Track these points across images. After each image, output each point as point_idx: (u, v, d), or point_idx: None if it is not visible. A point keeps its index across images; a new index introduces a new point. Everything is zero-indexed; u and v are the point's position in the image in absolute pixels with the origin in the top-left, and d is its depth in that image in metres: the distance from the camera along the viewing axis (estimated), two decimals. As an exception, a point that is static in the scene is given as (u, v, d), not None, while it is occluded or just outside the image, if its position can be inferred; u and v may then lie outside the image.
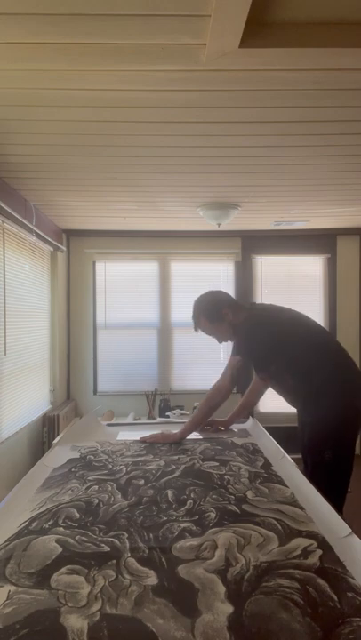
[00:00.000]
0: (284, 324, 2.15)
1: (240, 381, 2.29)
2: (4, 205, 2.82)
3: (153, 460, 1.80)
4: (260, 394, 2.48)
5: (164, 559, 1.05)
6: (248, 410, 2.54)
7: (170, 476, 1.59)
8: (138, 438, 2.11)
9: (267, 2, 1.30)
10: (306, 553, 1.06)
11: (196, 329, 2.29)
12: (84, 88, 1.75)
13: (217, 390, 2.13)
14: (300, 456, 2.08)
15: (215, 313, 2.21)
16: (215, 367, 4.70)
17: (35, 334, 3.72)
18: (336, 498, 1.40)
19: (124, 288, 4.67)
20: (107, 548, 1.10)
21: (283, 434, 2.26)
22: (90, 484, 1.54)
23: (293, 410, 2.23)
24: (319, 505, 1.35)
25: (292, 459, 1.80)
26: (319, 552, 1.06)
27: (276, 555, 1.05)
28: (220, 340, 2.30)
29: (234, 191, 3.17)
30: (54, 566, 1.02)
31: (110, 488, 1.49)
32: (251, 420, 2.53)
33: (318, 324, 2.23)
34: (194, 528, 1.20)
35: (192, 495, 1.42)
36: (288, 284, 4.73)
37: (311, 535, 1.14)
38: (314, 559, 1.03)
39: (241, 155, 2.46)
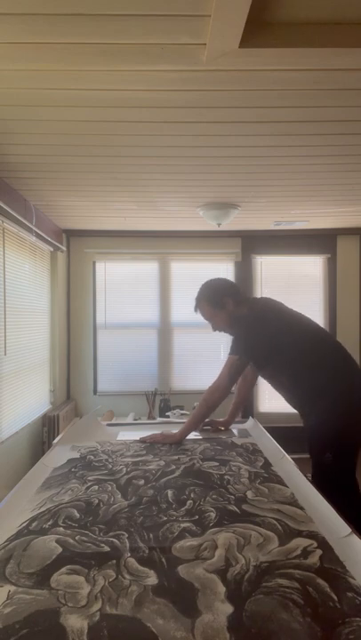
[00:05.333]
0: (282, 325, 2.14)
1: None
2: (4, 205, 2.82)
3: (153, 460, 1.80)
4: (250, 389, 2.50)
5: (164, 559, 1.05)
6: (243, 406, 2.54)
7: (170, 476, 1.59)
8: (138, 438, 2.11)
9: (267, 2, 1.30)
10: (306, 553, 1.06)
11: (195, 310, 2.30)
12: (84, 88, 1.75)
13: (215, 389, 2.13)
14: (299, 456, 2.08)
15: (216, 298, 2.22)
16: (215, 367, 4.71)
17: (35, 334, 3.72)
18: (342, 499, 1.39)
19: (124, 288, 4.67)
20: (107, 548, 1.10)
21: (283, 434, 2.26)
22: (90, 484, 1.54)
23: (293, 410, 2.23)
24: (319, 505, 1.35)
25: (292, 459, 1.80)
26: (319, 552, 1.06)
27: (276, 555, 1.05)
28: (214, 328, 2.30)
29: (234, 191, 3.17)
30: (54, 566, 1.02)
31: (110, 488, 1.49)
32: (251, 419, 2.53)
33: (318, 326, 2.21)
34: (194, 528, 1.20)
35: (192, 495, 1.42)
36: (288, 284, 4.73)
37: (311, 535, 1.14)
38: (314, 559, 1.03)
39: (241, 155, 2.46)
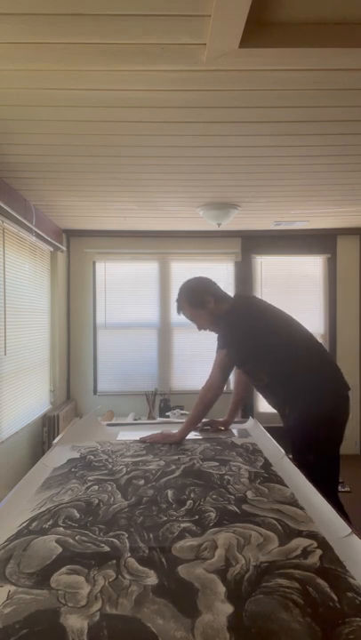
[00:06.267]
0: (265, 322, 2.15)
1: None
2: (4, 205, 2.82)
3: (153, 460, 1.80)
4: (248, 386, 2.49)
5: (164, 559, 1.05)
6: (242, 404, 2.53)
7: (170, 476, 1.59)
8: (138, 438, 2.11)
9: (267, 2, 1.30)
10: (306, 553, 1.06)
11: (178, 312, 2.30)
12: (84, 88, 1.75)
13: (208, 388, 2.11)
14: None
15: (197, 298, 2.21)
16: (215, 367, 4.73)
17: (35, 334, 3.72)
18: (328, 498, 1.41)
19: (124, 288, 4.68)
20: (107, 548, 1.10)
21: (283, 434, 2.26)
22: (90, 484, 1.53)
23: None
24: (319, 505, 1.35)
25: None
26: (319, 552, 1.06)
27: (276, 555, 1.05)
28: (199, 327, 2.29)
29: (234, 191, 3.17)
30: (54, 566, 1.02)
31: (110, 488, 1.49)
32: (251, 420, 2.53)
33: (301, 326, 2.21)
34: (194, 528, 1.20)
35: (192, 495, 1.42)
36: (288, 284, 4.73)
37: (311, 535, 1.14)
38: (314, 559, 1.03)
39: (241, 155, 2.46)
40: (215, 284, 2.30)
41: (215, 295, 2.23)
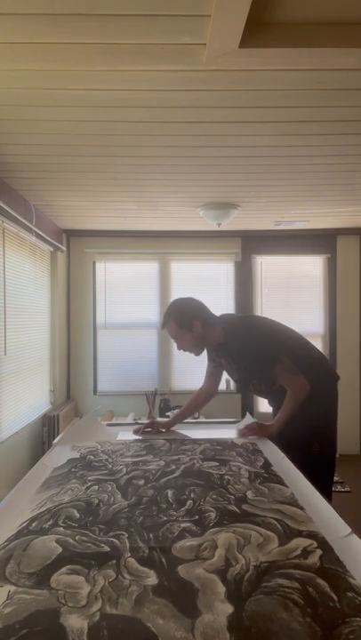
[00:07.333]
0: (274, 336, 2.20)
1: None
2: (4, 205, 2.82)
3: (153, 460, 1.80)
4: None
5: (164, 559, 1.05)
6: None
7: (170, 476, 1.59)
8: (138, 437, 2.12)
9: (267, 2, 1.30)
10: (306, 553, 1.06)
11: (163, 326, 2.22)
12: (84, 88, 1.75)
13: (204, 393, 2.39)
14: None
15: (185, 320, 2.14)
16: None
17: (35, 334, 3.72)
18: (323, 494, 1.43)
19: (124, 288, 4.67)
20: (107, 548, 1.10)
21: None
22: (90, 484, 1.54)
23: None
24: (319, 505, 1.35)
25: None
26: (319, 552, 1.06)
27: (276, 555, 1.05)
28: (179, 347, 2.23)
29: (234, 191, 3.17)
30: (54, 566, 1.02)
31: (110, 488, 1.49)
32: (248, 417, 2.53)
33: (292, 330, 2.27)
34: (194, 528, 1.20)
35: (192, 495, 1.42)
36: (288, 284, 4.73)
37: (311, 535, 1.14)
38: (314, 559, 1.03)
39: (241, 155, 2.46)
40: (206, 308, 2.22)
41: (204, 320, 2.17)
